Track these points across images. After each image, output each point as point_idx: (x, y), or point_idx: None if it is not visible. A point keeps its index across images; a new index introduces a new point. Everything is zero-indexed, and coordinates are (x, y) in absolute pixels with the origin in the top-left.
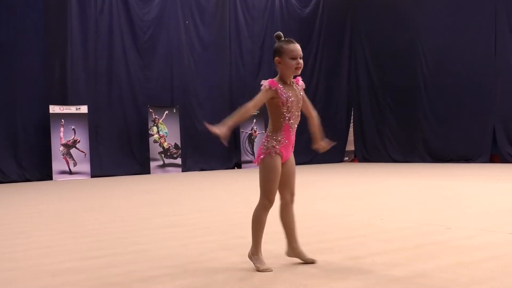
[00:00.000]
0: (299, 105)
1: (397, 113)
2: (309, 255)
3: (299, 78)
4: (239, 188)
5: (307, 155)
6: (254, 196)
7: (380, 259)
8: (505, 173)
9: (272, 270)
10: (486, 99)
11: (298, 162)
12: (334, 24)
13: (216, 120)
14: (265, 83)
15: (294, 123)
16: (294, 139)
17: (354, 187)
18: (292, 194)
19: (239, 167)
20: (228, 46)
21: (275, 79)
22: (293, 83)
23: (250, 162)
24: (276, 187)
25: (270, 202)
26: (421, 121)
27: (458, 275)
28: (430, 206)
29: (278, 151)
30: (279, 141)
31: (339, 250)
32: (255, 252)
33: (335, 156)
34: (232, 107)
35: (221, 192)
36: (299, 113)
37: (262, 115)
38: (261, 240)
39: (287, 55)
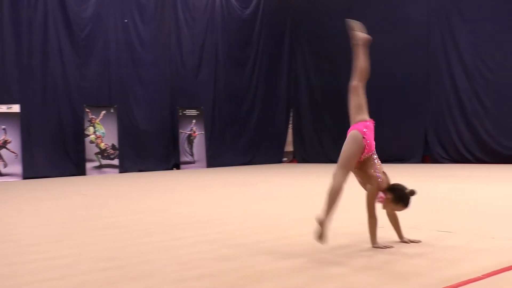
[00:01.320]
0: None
1: (335, 114)
2: (247, 256)
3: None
4: (178, 189)
5: (246, 155)
6: (193, 196)
7: (315, 257)
8: (435, 173)
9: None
10: (419, 101)
11: (238, 163)
12: (274, 25)
13: (155, 121)
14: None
15: None
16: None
17: (292, 187)
18: None
19: (178, 168)
20: (168, 45)
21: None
22: None
23: (189, 163)
24: None
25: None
26: None
27: (386, 272)
28: (363, 206)
29: None
30: None
31: (276, 250)
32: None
33: (274, 156)
34: (172, 107)
35: (160, 193)
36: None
37: (202, 115)
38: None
39: (397, 207)
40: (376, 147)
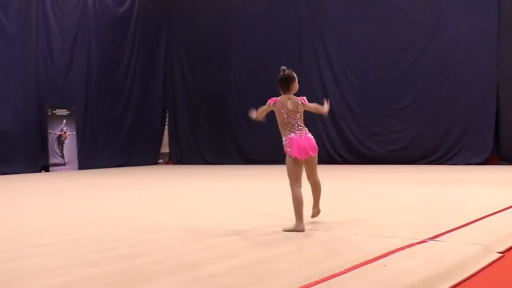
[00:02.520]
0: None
1: (210, 116)
2: (116, 261)
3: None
4: (44, 193)
5: (120, 157)
6: (59, 200)
7: (188, 259)
8: (304, 174)
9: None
10: None
11: (112, 165)
12: (150, 25)
13: (21, 120)
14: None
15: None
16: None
17: (167, 189)
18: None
19: (47, 170)
20: (35, 41)
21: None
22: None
23: (59, 165)
24: None
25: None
26: (233, 125)
27: (255, 271)
28: (238, 206)
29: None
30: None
31: (147, 253)
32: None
33: (149, 158)
34: (40, 106)
35: (22, 198)
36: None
37: (72, 115)
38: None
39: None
40: (252, 150)
